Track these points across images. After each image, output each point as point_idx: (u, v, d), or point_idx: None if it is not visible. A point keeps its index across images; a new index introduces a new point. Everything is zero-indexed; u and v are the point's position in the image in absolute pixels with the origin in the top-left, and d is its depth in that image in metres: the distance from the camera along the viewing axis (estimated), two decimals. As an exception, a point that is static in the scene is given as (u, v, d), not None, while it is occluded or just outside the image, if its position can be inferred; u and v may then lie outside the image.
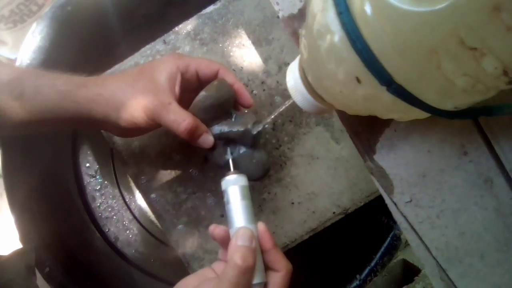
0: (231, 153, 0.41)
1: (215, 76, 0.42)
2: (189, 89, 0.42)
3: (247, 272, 0.31)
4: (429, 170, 0.31)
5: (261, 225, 0.35)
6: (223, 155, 0.41)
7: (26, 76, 0.39)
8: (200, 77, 0.41)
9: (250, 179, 0.39)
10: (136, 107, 0.38)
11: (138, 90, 0.38)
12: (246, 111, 0.44)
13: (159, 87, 0.38)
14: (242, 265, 0.31)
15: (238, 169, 0.40)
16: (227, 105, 0.41)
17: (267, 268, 0.34)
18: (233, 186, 0.37)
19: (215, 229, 0.36)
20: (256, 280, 0.32)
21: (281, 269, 0.33)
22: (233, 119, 0.41)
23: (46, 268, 0.57)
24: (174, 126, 0.38)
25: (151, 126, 0.40)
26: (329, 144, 0.50)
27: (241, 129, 0.40)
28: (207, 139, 0.40)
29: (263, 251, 0.34)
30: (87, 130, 0.65)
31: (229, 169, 0.40)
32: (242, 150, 0.41)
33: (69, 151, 0.65)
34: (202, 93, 0.39)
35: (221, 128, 0.41)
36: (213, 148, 0.41)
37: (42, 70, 0.41)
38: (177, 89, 0.39)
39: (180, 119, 0.37)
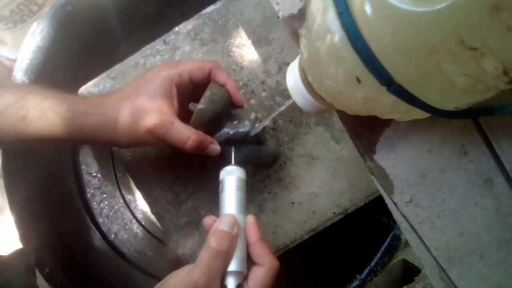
0: (239, 151, 0.42)
1: (208, 77, 0.42)
2: (184, 93, 0.42)
3: (220, 256, 0.31)
4: (429, 170, 0.31)
5: (250, 217, 0.35)
6: (230, 155, 0.42)
7: (30, 97, 0.40)
8: (194, 81, 0.42)
9: (261, 167, 0.39)
10: (140, 131, 0.39)
11: (139, 114, 0.39)
12: (245, 106, 0.44)
13: (158, 107, 0.39)
14: (215, 247, 0.31)
15: (248, 163, 0.40)
16: (225, 110, 0.41)
17: (252, 262, 0.34)
18: (230, 176, 0.37)
19: (206, 219, 0.36)
20: (232, 268, 0.32)
21: (265, 264, 0.33)
22: (234, 122, 0.41)
23: (46, 268, 0.57)
24: (180, 145, 0.39)
25: (156, 144, 0.41)
26: (329, 144, 0.50)
27: (244, 130, 0.41)
28: (213, 149, 0.41)
29: (248, 244, 0.34)
30: None
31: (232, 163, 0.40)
32: (250, 146, 0.42)
33: (69, 151, 0.65)
34: (199, 107, 0.39)
35: (225, 132, 0.41)
36: (221, 152, 0.41)
37: (45, 89, 0.41)
38: (175, 103, 0.40)
39: (184, 138, 0.38)
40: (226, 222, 0.33)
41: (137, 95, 0.40)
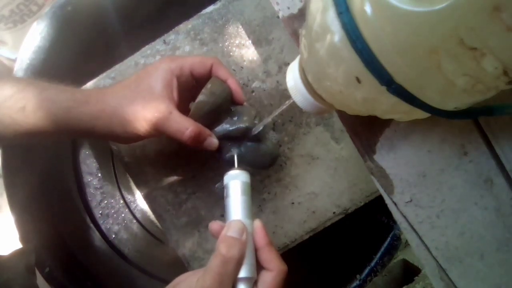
0: (237, 149, 0.42)
1: (209, 73, 0.42)
2: (186, 89, 0.42)
3: (231, 263, 0.31)
4: (429, 170, 0.31)
5: (257, 222, 0.35)
6: (229, 153, 0.41)
7: (29, 89, 0.39)
8: (195, 76, 0.42)
9: (260, 168, 0.39)
10: (138, 121, 0.39)
11: (138, 104, 0.39)
12: (245, 104, 0.44)
13: (157, 97, 0.39)
14: (225, 254, 0.31)
15: (246, 163, 0.40)
16: (225, 105, 0.41)
17: (261, 266, 0.34)
18: (235, 181, 0.37)
19: (212, 224, 0.36)
20: (243, 274, 0.32)
21: (274, 268, 0.33)
22: (234, 117, 0.41)
23: (46, 268, 0.57)
24: (178, 135, 0.39)
25: (154, 135, 0.40)
26: (329, 144, 0.50)
27: (243, 126, 0.41)
28: (211, 143, 0.41)
29: (257, 248, 0.34)
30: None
31: (234, 166, 0.40)
32: (248, 144, 0.42)
33: (69, 151, 0.65)
34: (199, 99, 0.39)
35: (223, 128, 0.41)
36: (219, 148, 0.41)
37: (44, 82, 0.41)
38: (175, 95, 0.40)
39: (183, 128, 0.38)
40: (235, 229, 0.33)
41: (137, 85, 0.40)
